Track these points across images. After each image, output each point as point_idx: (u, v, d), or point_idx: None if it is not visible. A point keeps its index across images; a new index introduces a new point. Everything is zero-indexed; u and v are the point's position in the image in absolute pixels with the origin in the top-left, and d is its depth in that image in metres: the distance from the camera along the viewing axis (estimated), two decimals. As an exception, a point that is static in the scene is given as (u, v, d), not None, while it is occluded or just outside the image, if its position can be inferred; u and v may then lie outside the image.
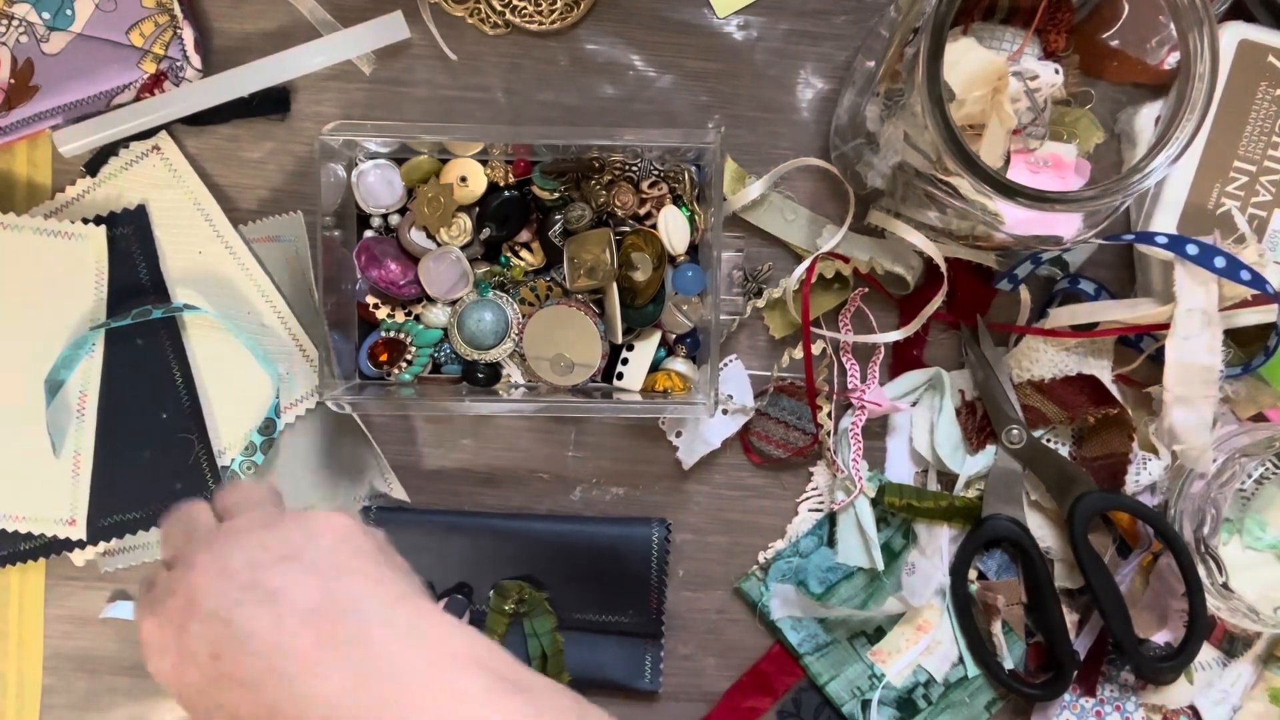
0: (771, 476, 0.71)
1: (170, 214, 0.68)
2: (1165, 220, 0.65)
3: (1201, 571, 0.66)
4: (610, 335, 0.66)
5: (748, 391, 0.69)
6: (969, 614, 0.69)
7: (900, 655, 0.69)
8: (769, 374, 0.70)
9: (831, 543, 0.70)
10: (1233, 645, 0.70)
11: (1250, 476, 0.69)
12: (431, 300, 0.66)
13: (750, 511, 0.71)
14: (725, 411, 0.69)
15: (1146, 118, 0.62)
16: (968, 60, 0.58)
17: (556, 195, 0.65)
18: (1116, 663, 0.69)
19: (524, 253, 0.67)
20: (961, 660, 0.69)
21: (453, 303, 0.66)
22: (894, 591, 0.69)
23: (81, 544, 0.68)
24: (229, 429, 0.69)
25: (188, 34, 0.66)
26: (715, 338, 0.63)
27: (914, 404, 0.70)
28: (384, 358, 0.66)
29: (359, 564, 0.47)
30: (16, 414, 0.67)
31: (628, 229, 0.65)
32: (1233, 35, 0.64)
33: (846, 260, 0.68)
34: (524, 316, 0.66)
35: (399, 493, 0.70)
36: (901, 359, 0.70)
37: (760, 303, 0.68)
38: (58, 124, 0.67)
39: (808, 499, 0.70)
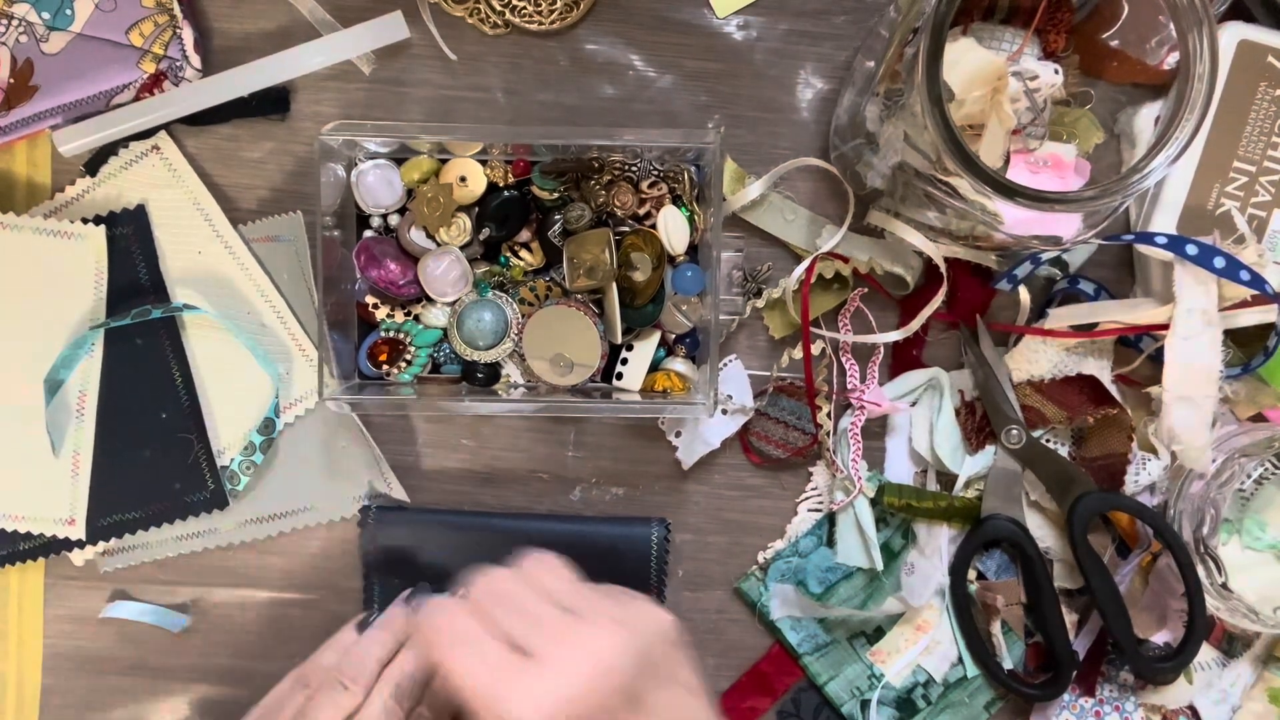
0: (771, 476, 0.71)
1: (170, 214, 0.68)
2: (1165, 220, 0.65)
3: (1201, 572, 0.66)
4: (610, 335, 0.66)
5: (747, 391, 0.69)
6: (968, 614, 0.69)
7: (900, 655, 0.69)
8: (768, 374, 0.70)
9: (831, 543, 0.70)
10: (1232, 645, 0.70)
11: (1250, 477, 0.69)
12: (431, 300, 0.66)
13: (750, 511, 0.71)
14: (725, 411, 0.69)
15: (1146, 118, 0.62)
16: (967, 60, 0.58)
17: (556, 195, 0.65)
18: (1116, 663, 0.69)
19: (523, 253, 0.67)
20: (961, 660, 0.69)
21: (452, 303, 0.66)
22: (893, 591, 0.69)
23: (81, 544, 0.68)
24: (228, 429, 0.69)
25: (187, 34, 0.66)
26: (715, 338, 0.63)
27: (913, 404, 0.70)
28: (384, 358, 0.66)
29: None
30: (16, 414, 0.67)
31: (627, 229, 0.65)
32: (1233, 35, 0.64)
33: (846, 260, 0.68)
34: (523, 316, 0.66)
35: (399, 493, 0.70)
36: (901, 359, 0.70)
37: (760, 303, 0.68)
38: (57, 124, 0.67)
39: (807, 499, 0.70)
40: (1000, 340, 0.70)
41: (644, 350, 0.67)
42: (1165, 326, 0.64)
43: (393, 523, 0.68)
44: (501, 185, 0.66)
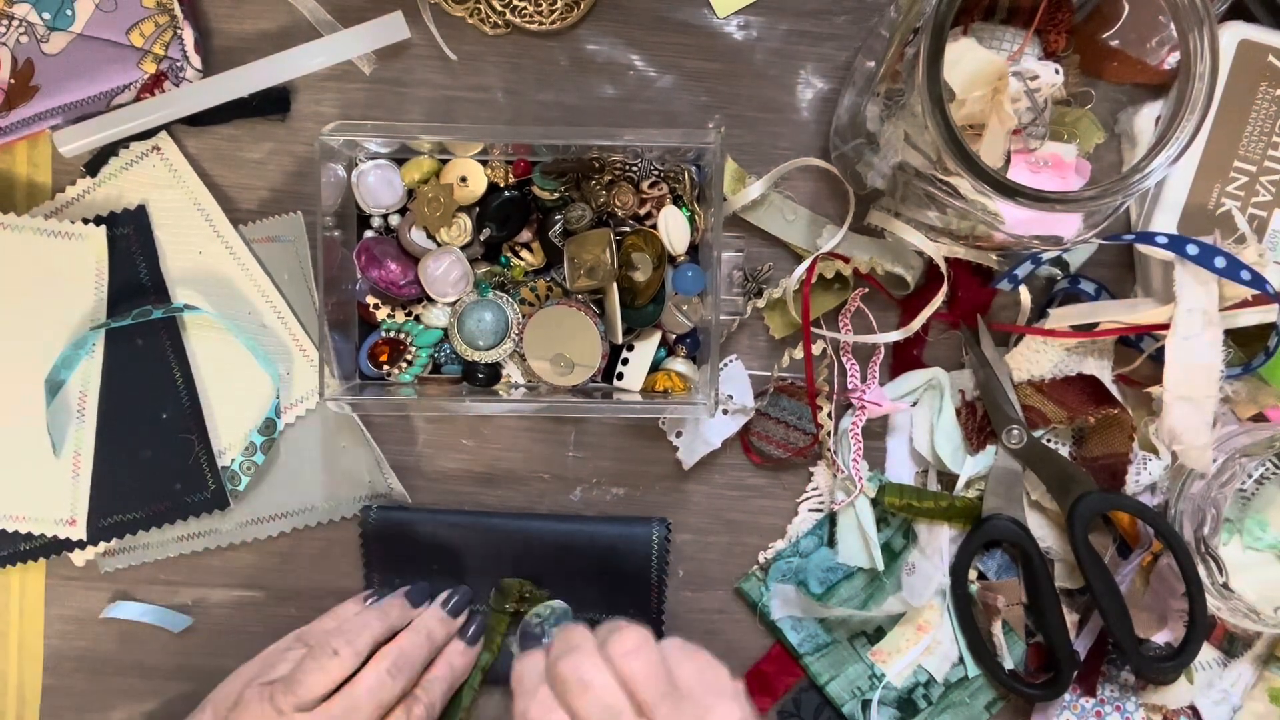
0: (771, 476, 0.71)
1: (170, 214, 0.68)
2: (1165, 220, 0.65)
3: (1202, 571, 0.66)
4: (610, 335, 0.66)
5: (748, 391, 0.69)
6: (969, 614, 0.69)
7: (900, 655, 0.69)
8: (769, 374, 0.70)
9: (832, 543, 0.70)
10: (1233, 645, 0.70)
11: (1250, 476, 0.69)
12: (432, 300, 0.66)
13: (750, 511, 0.71)
14: (725, 411, 0.69)
15: (1146, 118, 0.62)
16: (968, 60, 0.58)
17: (556, 195, 0.65)
18: (1116, 663, 0.69)
19: (524, 253, 0.67)
20: (962, 660, 0.69)
21: (453, 303, 0.66)
22: (894, 591, 0.69)
23: (82, 544, 0.68)
24: (229, 429, 0.69)
25: (188, 34, 0.66)
26: (715, 338, 0.63)
27: (914, 404, 0.70)
28: (384, 358, 0.66)
29: None
30: (16, 414, 0.67)
31: (628, 229, 0.65)
32: (1233, 35, 0.64)
33: (846, 260, 0.68)
34: (524, 316, 0.66)
35: (400, 493, 0.70)
36: (901, 359, 0.70)
37: (760, 303, 0.68)
38: (58, 124, 0.67)
39: (808, 499, 0.70)
40: (1001, 340, 0.70)
41: (645, 350, 0.67)
42: (1166, 326, 0.64)
43: (393, 523, 0.68)
44: (502, 185, 0.66)
